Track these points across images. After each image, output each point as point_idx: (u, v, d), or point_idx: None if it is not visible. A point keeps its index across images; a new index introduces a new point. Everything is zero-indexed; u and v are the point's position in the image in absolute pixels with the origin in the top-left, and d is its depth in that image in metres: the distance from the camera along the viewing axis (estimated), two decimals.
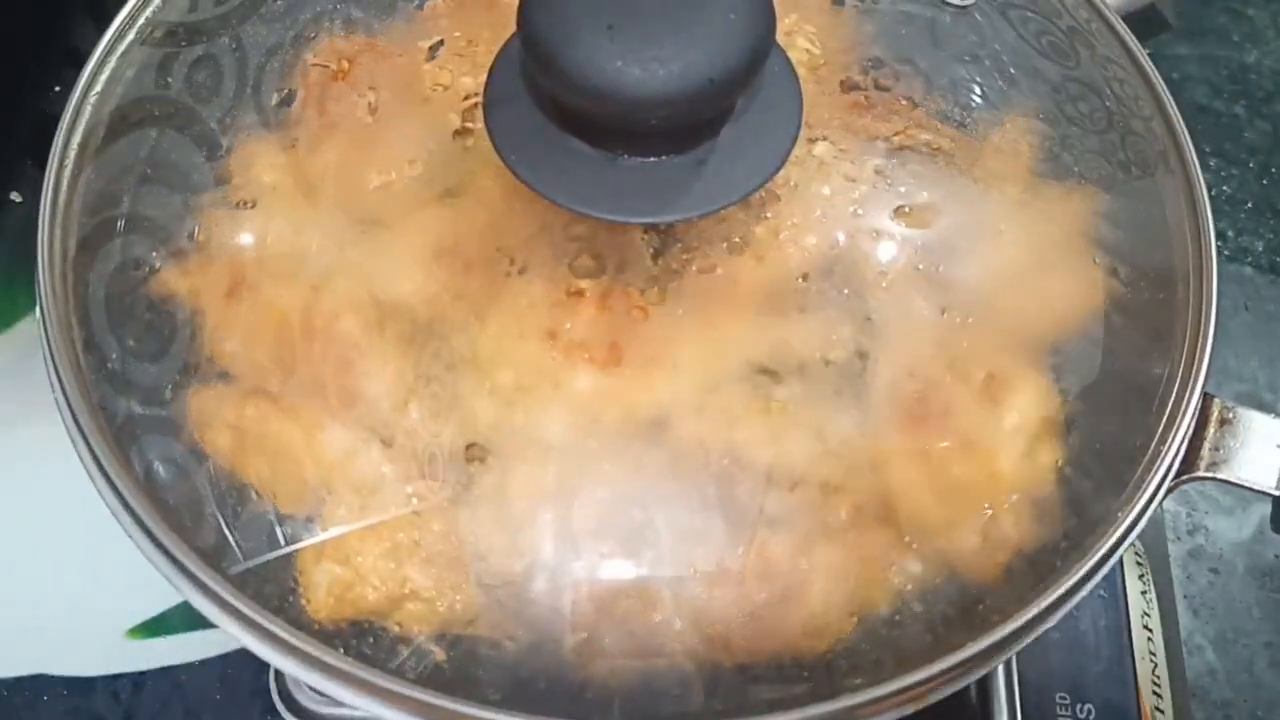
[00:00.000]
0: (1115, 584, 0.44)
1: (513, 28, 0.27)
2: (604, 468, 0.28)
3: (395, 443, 0.28)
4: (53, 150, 0.32)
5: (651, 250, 0.30)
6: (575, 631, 0.28)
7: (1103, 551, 0.29)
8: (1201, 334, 0.31)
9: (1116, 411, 0.31)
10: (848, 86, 0.33)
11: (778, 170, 0.28)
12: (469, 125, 0.31)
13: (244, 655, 0.28)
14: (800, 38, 0.34)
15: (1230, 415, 0.32)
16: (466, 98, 0.32)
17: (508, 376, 0.29)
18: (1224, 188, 0.64)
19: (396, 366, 0.29)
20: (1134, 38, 0.36)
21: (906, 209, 0.31)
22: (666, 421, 0.29)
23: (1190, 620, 0.51)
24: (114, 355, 0.30)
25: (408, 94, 0.32)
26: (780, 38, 0.28)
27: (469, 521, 0.28)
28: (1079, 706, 0.41)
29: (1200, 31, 0.69)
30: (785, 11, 0.33)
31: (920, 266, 0.31)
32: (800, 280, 0.30)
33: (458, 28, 0.33)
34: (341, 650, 0.27)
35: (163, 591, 0.29)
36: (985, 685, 0.41)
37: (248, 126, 0.32)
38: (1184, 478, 0.31)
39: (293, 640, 0.27)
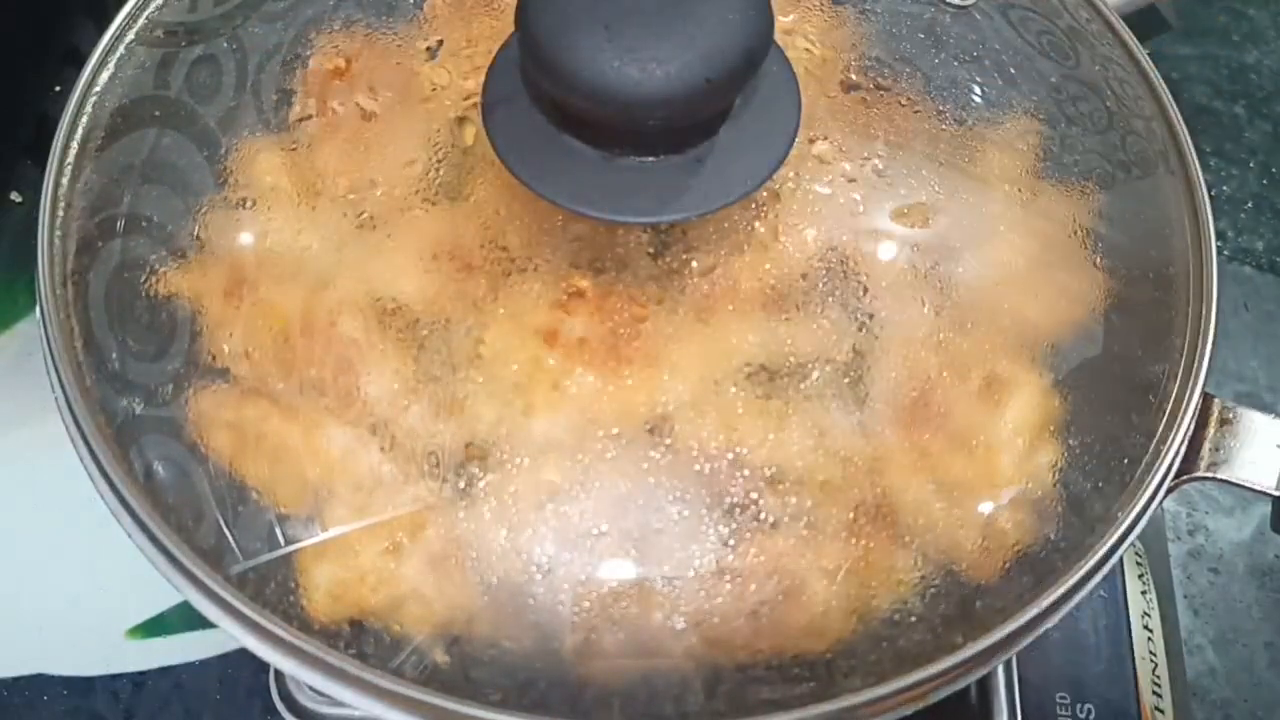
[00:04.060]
0: (1115, 584, 0.44)
1: (511, 28, 0.27)
2: (604, 468, 0.28)
3: (395, 442, 0.28)
4: (53, 150, 0.32)
5: (651, 250, 0.30)
6: (575, 632, 0.28)
7: (1103, 551, 0.29)
8: (1201, 334, 0.31)
9: (1116, 411, 0.31)
10: (847, 86, 0.33)
11: (776, 170, 0.28)
12: (469, 125, 0.31)
13: (244, 655, 0.28)
14: (800, 37, 0.34)
15: (1230, 415, 0.32)
16: (466, 98, 0.32)
17: (507, 376, 0.29)
18: (1224, 188, 0.64)
19: (396, 366, 0.29)
20: (1134, 38, 0.36)
21: (906, 209, 0.31)
22: (666, 421, 0.29)
23: (1190, 620, 0.51)
24: (114, 355, 0.30)
25: (408, 94, 0.32)
26: (780, 37, 0.28)
27: (469, 521, 0.28)
28: (1079, 706, 0.42)
29: (1200, 31, 0.69)
30: (785, 11, 0.34)
31: (920, 266, 0.31)
32: (800, 280, 0.30)
33: (457, 28, 0.33)
34: (341, 650, 0.27)
35: (163, 591, 0.29)
36: (985, 685, 0.41)
37: (248, 126, 0.32)
38: (1184, 478, 0.31)
39: (293, 640, 0.27)
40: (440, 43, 0.33)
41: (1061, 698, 0.42)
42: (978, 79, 0.34)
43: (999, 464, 0.30)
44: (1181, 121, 0.35)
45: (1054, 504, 0.30)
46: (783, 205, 0.31)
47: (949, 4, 0.35)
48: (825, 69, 0.33)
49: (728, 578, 0.28)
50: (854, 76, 0.33)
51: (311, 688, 0.29)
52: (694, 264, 0.30)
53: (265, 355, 0.29)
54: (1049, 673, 0.42)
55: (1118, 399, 0.31)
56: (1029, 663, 0.41)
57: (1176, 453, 0.30)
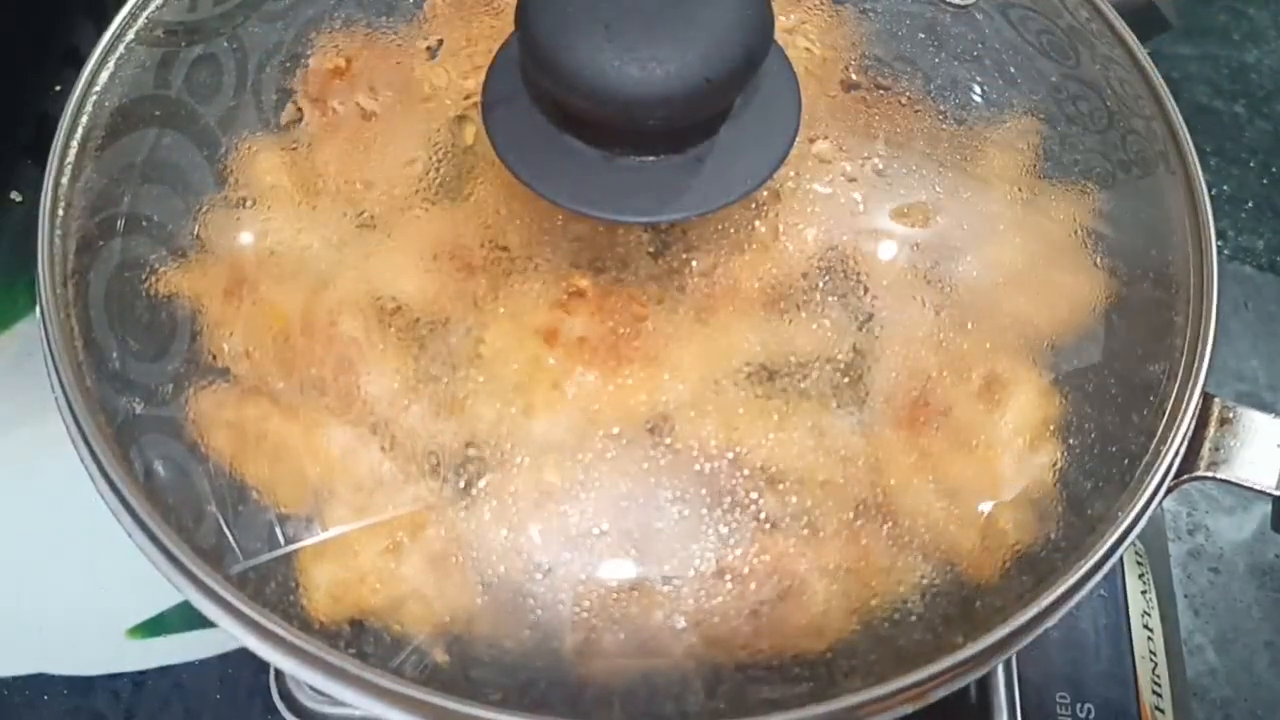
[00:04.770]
0: (1115, 584, 0.44)
1: (511, 27, 0.27)
2: (604, 467, 0.28)
3: (395, 442, 0.28)
4: (53, 150, 0.32)
5: (651, 250, 0.30)
6: (575, 631, 0.28)
7: (1103, 551, 0.29)
8: (1201, 334, 0.31)
9: (1116, 411, 0.31)
10: (847, 85, 0.33)
11: (776, 169, 0.28)
12: (469, 125, 0.31)
13: (244, 655, 0.28)
14: (800, 36, 0.34)
15: (1230, 415, 0.32)
16: (466, 97, 0.32)
17: (508, 376, 0.29)
18: (1224, 187, 0.64)
19: (396, 366, 0.29)
20: (1134, 38, 0.36)
21: (906, 208, 0.31)
22: (666, 421, 0.29)
23: (1190, 620, 0.51)
24: (114, 355, 0.30)
25: (407, 94, 0.32)
26: (780, 36, 0.28)
27: (469, 521, 0.28)
28: (1079, 706, 0.42)
29: (1200, 31, 0.69)
30: (785, 10, 0.34)
31: (920, 266, 0.31)
32: (800, 279, 0.30)
33: (457, 28, 0.33)
34: (341, 650, 0.27)
35: (163, 591, 0.29)
36: (985, 685, 0.41)
37: (248, 126, 0.32)
38: (1184, 478, 0.31)
39: (293, 640, 0.27)
40: (440, 42, 0.33)
41: (1061, 698, 0.42)
42: (978, 79, 0.34)
43: (999, 464, 0.30)
44: (1181, 121, 0.35)
45: (1054, 504, 0.30)
46: (783, 205, 0.31)
47: (949, 4, 0.35)
48: (825, 69, 0.33)
49: (728, 578, 0.28)
50: (854, 76, 0.33)
51: (311, 687, 0.29)
52: (694, 264, 0.30)
53: (265, 355, 0.29)
54: (1049, 673, 0.42)
55: (1118, 399, 0.31)
56: (1029, 663, 0.41)
57: (1176, 453, 0.30)
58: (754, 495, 0.28)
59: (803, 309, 0.30)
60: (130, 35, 0.34)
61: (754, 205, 0.31)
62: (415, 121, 0.32)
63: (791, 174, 0.31)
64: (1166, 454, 0.30)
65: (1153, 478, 0.30)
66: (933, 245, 0.31)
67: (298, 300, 0.30)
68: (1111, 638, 0.43)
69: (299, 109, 0.32)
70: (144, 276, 0.31)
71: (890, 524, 0.29)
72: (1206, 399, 0.31)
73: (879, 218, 0.31)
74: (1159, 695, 0.43)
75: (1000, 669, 0.41)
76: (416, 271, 0.30)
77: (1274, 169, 0.64)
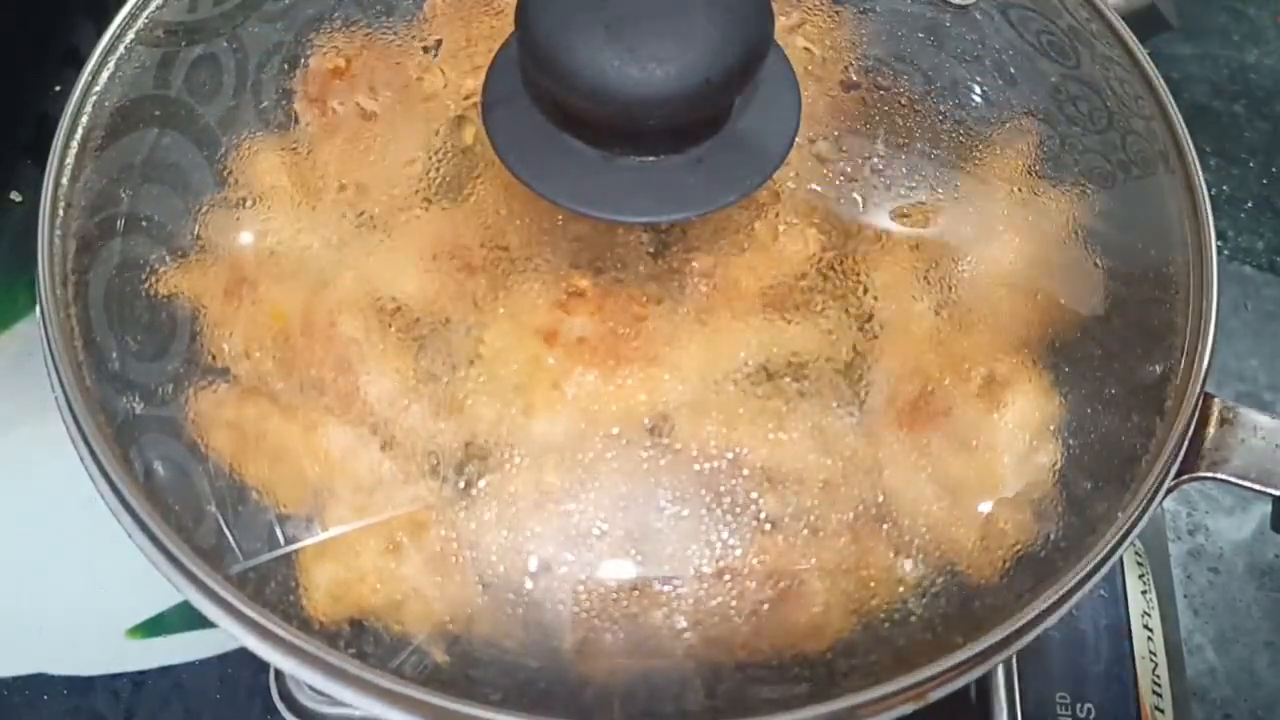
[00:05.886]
0: (1115, 584, 0.44)
1: (511, 27, 0.27)
2: (604, 467, 0.28)
3: (395, 442, 0.28)
4: (53, 150, 0.32)
5: (651, 250, 0.30)
6: (575, 631, 0.28)
7: (1103, 551, 0.29)
8: (1201, 334, 0.32)
9: (1116, 411, 0.31)
10: (847, 85, 0.33)
11: (776, 169, 0.28)
12: (468, 125, 0.31)
13: (244, 655, 0.28)
14: (800, 37, 0.34)
15: (1230, 415, 0.32)
16: (466, 97, 0.32)
17: (508, 376, 0.29)
18: (1224, 187, 0.64)
19: (396, 366, 0.29)
20: (1134, 38, 0.36)
21: (906, 208, 0.31)
22: (666, 421, 0.29)
23: (1190, 620, 0.51)
24: (114, 355, 0.30)
25: (407, 94, 0.32)
26: (780, 36, 0.28)
27: (469, 521, 0.28)
28: (1079, 706, 0.41)
29: (1200, 31, 0.69)
30: (785, 10, 0.34)
31: (920, 266, 0.31)
32: (800, 280, 0.30)
33: (457, 28, 0.33)
34: (341, 650, 0.27)
35: (163, 591, 0.29)
36: (985, 685, 0.41)
37: (248, 126, 0.32)
38: (1184, 478, 0.31)
39: (293, 640, 0.27)
40: (440, 43, 0.33)
41: (1061, 698, 0.42)
42: (978, 79, 0.34)
43: (999, 464, 0.30)
44: (1181, 121, 0.35)
45: (1054, 504, 0.30)
46: (783, 205, 0.31)
47: (949, 4, 0.35)
48: (825, 69, 0.33)
49: (728, 578, 0.28)
50: (854, 76, 0.33)
51: (311, 687, 0.29)
52: (694, 264, 0.30)
53: (265, 355, 0.29)
54: (1049, 673, 0.42)
55: (1118, 399, 0.31)
56: (1029, 663, 0.41)
57: (1176, 453, 0.30)
58: (754, 495, 0.28)
59: (802, 309, 0.30)
60: (130, 35, 0.34)
61: (754, 205, 0.30)
62: (415, 121, 0.32)
63: (791, 174, 0.31)
64: (1166, 454, 0.30)
65: (1153, 478, 0.30)
66: (932, 245, 0.31)
67: (298, 300, 0.30)
68: (1111, 638, 0.43)
69: (299, 109, 0.32)
70: (144, 276, 0.31)
71: (890, 524, 0.29)
72: (1206, 399, 0.31)
73: (879, 218, 0.31)
74: (1159, 695, 0.43)
75: (1000, 669, 0.41)
76: (416, 271, 0.30)
77: (1274, 169, 0.64)
